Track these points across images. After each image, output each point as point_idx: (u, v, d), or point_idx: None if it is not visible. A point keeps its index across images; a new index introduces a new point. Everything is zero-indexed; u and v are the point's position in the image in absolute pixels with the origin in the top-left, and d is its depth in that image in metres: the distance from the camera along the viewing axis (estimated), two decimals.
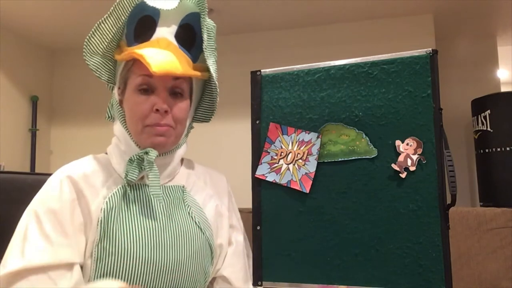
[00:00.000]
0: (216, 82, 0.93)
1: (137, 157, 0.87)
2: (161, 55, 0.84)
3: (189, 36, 0.93)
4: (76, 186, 0.86)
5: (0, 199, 1.21)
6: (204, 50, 0.90)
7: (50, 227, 0.81)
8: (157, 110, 0.86)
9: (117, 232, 0.83)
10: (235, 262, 1.00)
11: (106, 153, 0.97)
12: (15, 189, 1.23)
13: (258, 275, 0.86)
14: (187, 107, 0.92)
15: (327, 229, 0.82)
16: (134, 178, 0.87)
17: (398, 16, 2.79)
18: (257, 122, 0.89)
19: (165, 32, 0.90)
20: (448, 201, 0.77)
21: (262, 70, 0.90)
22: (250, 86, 0.90)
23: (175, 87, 0.89)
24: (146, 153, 0.87)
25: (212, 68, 0.91)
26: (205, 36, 0.90)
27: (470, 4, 2.62)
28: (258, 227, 0.86)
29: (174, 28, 0.91)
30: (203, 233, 0.92)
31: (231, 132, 2.90)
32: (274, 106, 0.88)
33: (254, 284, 0.87)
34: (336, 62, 0.86)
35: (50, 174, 0.91)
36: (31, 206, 0.85)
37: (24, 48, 3.11)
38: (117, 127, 0.93)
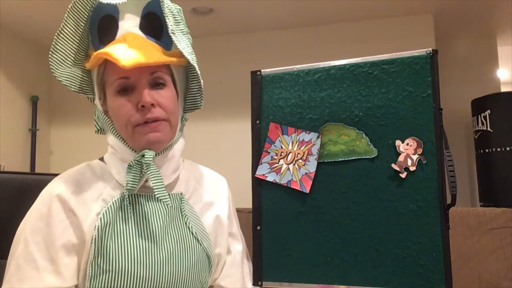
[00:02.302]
0: (195, 65, 0.87)
1: (135, 162, 0.84)
2: (129, 49, 0.80)
3: (155, 25, 0.88)
4: (66, 205, 0.83)
5: (0, 199, 1.21)
6: (171, 34, 0.85)
7: (36, 251, 0.80)
8: (142, 106, 0.82)
9: (112, 249, 0.81)
10: (233, 272, 0.98)
11: (102, 158, 0.93)
12: (15, 189, 1.23)
13: (258, 275, 0.86)
14: (172, 95, 0.87)
15: (327, 229, 0.82)
16: (135, 187, 0.84)
17: (398, 16, 2.78)
18: (257, 122, 0.89)
19: (129, 26, 0.86)
20: (448, 201, 0.77)
21: (262, 70, 0.90)
22: (250, 86, 0.90)
23: (155, 78, 0.85)
24: (143, 155, 0.83)
25: (186, 51, 0.85)
26: (170, 20, 0.86)
27: (470, 4, 2.62)
28: (258, 227, 0.86)
29: (137, 20, 0.87)
30: (200, 244, 0.90)
31: (231, 132, 2.90)
32: (274, 106, 0.88)
33: (254, 284, 0.87)
34: (336, 62, 0.86)
35: (50, 174, 0.90)
36: (22, 226, 0.84)
37: (24, 48, 3.11)
38: (110, 138, 0.89)
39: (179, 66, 0.91)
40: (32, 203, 0.86)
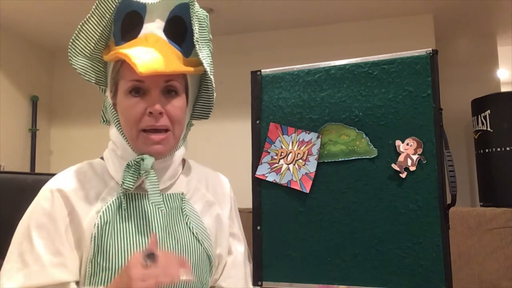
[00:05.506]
0: (211, 77, 0.88)
1: (135, 162, 0.84)
2: (148, 54, 0.80)
3: (179, 30, 0.88)
4: (68, 201, 0.83)
5: (0, 199, 1.21)
6: (195, 43, 0.86)
7: (42, 246, 0.80)
8: (150, 113, 0.82)
9: (111, 247, 0.81)
10: (234, 273, 0.97)
11: (102, 157, 0.93)
12: (15, 189, 1.23)
13: (258, 275, 0.86)
14: (182, 105, 0.87)
15: (327, 229, 0.82)
16: (131, 186, 0.84)
17: (398, 16, 2.78)
18: (257, 122, 0.89)
19: (153, 28, 0.86)
20: (448, 201, 0.77)
21: (262, 70, 0.90)
22: (250, 86, 0.90)
23: (169, 86, 0.85)
24: (143, 159, 0.84)
25: (206, 62, 0.86)
26: (196, 28, 0.86)
27: (470, 4, 2.62)
28: (258, 227, 0.86)
29: (162, 22, 0.87)
30: (201, 245, 0.89)
31: (231, 132, 2.90)
32: (274, 106, 0.88)
33: (254, 284, 0.87)
34: (336, 62, 0.86)
35: (50, 174, 0.90)
36: (24, 222, 0.83)
37: (24, 48, 3.11)
38: (113, 132, 0.89)
39: (194, 75, 0.91)
40: None
